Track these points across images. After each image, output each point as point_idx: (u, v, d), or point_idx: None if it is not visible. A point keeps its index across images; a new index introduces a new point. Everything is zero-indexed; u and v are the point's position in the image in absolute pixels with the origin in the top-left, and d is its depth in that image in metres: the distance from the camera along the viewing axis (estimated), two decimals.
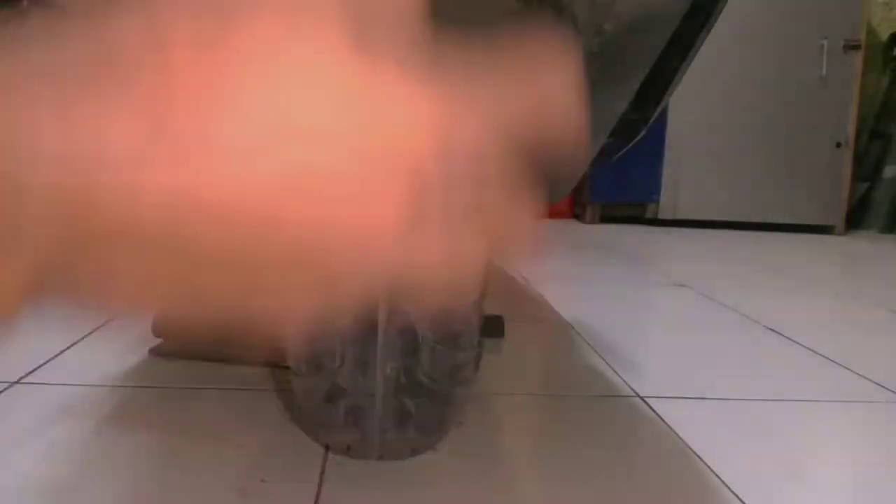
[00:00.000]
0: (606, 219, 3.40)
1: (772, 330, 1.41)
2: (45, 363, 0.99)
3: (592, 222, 3.38)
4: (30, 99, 0.16)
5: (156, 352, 1.04)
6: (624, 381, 1.04)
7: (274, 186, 0.17)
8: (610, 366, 1.11)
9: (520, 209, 0.20)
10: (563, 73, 0.20)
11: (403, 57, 0.18)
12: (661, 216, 3.37)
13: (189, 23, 0.17)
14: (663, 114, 2.22)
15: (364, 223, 0.18)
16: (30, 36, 0.17)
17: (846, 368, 1.17)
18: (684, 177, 3.35)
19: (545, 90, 0.20)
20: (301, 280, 0.18)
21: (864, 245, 3.13)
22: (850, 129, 3.35)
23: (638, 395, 0.98)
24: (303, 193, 0.17)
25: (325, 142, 0.17)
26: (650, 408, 0.94)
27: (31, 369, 0.96)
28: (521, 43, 0.19)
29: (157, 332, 1.04)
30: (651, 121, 0.74)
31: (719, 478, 0.75)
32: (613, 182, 3.28)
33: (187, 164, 0.16)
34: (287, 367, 0.73)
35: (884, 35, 3.70)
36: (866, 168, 3.64)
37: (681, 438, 0.84)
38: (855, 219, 3.57)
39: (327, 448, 0.76)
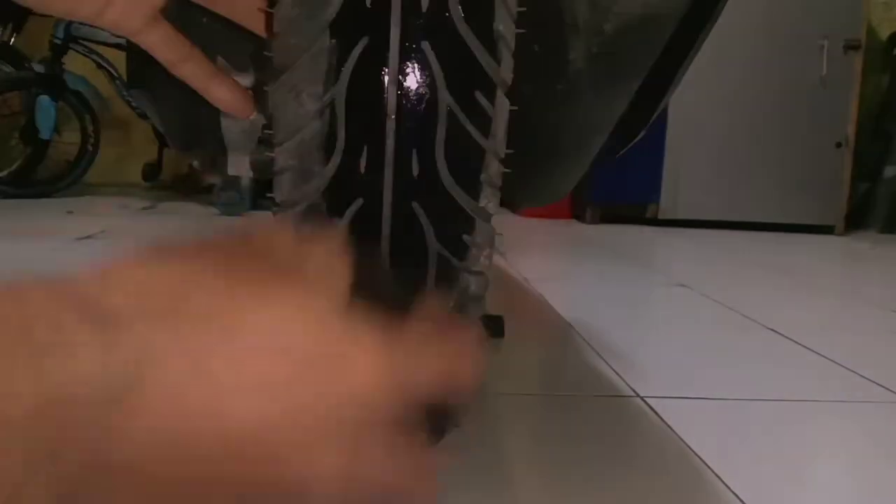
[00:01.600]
0: (607, 219, 3.40)
1: (772, 330, 1.41)
2: None
3: (592, 223, 3.38)
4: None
5: None
6: (624, 381, 1.04)
7: (241, 429, 0.21)
8: (610, 366, 1.11)
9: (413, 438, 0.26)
10: (462, 348, 0.27)
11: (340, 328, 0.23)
12: (661, 216, 3.37)
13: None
14: (663, 114, 2.22)
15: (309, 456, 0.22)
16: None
17: (846, 368, 1.17)
18: (684, 177, 3.34)
19: (447, 359, 0.26)
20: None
21: (864, 245, 3.13)
22: (850, 129, 3.35)
23: (638, 395, 0.98)
24: (262, 434, 0.21)
25: (281, 396, 0.22)
26: (650, 408, 0.94)
27: None
28: (432, 323, 0.26)
29: None
30: (651, 121, 0.74)
31: (719, 478, 0.75)
32: (613, 182, 3.28)
33: (172, 412, 0.20)
34: None
35: (884, 35, 3.70)
36: (866, 168, 3.64)
37: (681, 438, 0.84)
38: (855, 219, 3.57)
39: None
